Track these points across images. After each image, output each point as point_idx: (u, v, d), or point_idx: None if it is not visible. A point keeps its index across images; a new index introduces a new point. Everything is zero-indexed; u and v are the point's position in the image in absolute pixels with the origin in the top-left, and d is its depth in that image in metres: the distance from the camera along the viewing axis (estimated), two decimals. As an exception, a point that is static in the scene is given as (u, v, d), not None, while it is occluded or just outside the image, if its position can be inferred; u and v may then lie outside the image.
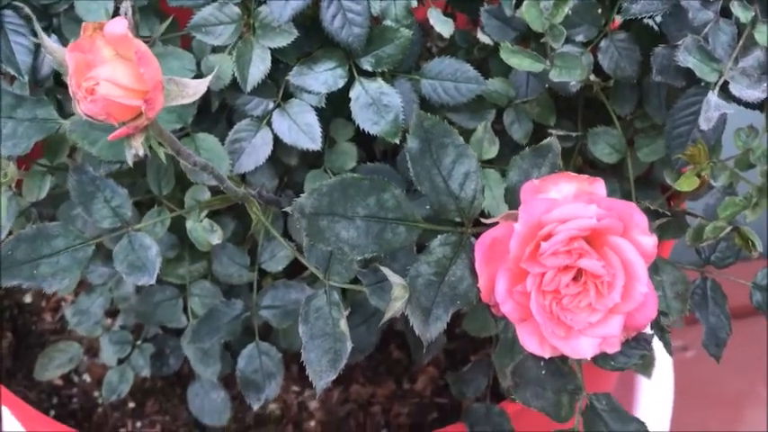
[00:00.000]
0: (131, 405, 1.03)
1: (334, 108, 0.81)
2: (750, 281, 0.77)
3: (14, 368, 1.05)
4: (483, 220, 0.62)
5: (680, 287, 0.75)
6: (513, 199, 0.64)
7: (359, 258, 0.59)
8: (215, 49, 0.76)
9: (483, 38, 0.87)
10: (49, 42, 0.54)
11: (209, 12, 0.74)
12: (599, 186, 0.61)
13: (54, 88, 0.83)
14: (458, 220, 0.63)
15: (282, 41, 0.74)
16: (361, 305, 0.79)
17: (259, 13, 0.75)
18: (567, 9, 0.71)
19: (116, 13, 0.77)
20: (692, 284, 0.77)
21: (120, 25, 0.52)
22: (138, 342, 0.92)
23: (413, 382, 1.04)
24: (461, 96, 0.80)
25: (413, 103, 0.80)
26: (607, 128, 0.81)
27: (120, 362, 0.93)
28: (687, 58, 0.69)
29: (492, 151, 0.83)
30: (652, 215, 0.75)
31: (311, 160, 0.85)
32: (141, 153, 0.53)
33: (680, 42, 0.70)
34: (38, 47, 0.80)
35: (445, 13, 0.86)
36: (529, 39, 0.87)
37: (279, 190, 0.87)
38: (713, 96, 0.69)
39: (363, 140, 0.86)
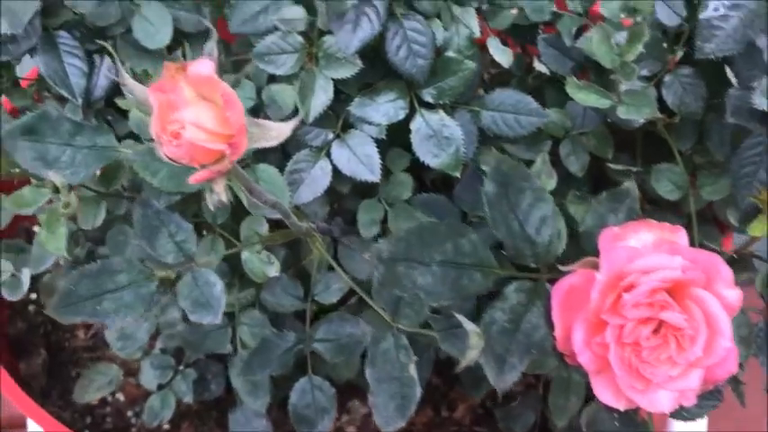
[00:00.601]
0: (166, 427, 1.02)
1: (391, 137, 0.79)
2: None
3: (49, 386, 1.03)
4: (560, 267, 0.60)
5: (744, 331, 0.74)
6: (588, 244, 0.63)
7: (434, 305, 0.57)
8: (275, 78, 0.74)
9: (539, 66, 0.86)
10: (130, 80, 0.52)
11: (273, 40, 0.73)
12: (681, 236, 0.60)
13: (104, 110, 0.82)
14: (533, 265, 0.62)
15: (346, 72, 0.73)
16: (414, 341, 0.78)
17: (323, 43, 0.73)
18: (640, 46, 0.70)
19: (176, 40, 0.76)
20: (755, 327, 0.76)
21: (206, 67, 0.51)
22: (181, 367, 0.91)
23: (452, 410, 1.03)
24: (522, 129, 0.79)
25: (472, 134, 0.79)
26: (670, 165, 0.79)
27: (161, 387, 0.91)
28: (763, 101, 0.67)
29: (550, 184, 0.81)
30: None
31: (362, 188, 0.83)
32: (225, 199, 0.51)
33: (754, 84, 0.69)
34: (91, 68, 0.79)
35: (502, 41, 0.85)
36: (587, 69, 0.86)
37: (329, 217, 0.85)
38: (793, 138, 0.67)
39: (413, 167, 0.84)
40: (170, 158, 0.51)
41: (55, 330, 1.08)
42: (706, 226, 0.88)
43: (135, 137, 0.76)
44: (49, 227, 0.67)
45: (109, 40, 0.78)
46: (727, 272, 0.58)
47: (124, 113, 0.80)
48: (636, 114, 0.72)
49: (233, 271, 0.81)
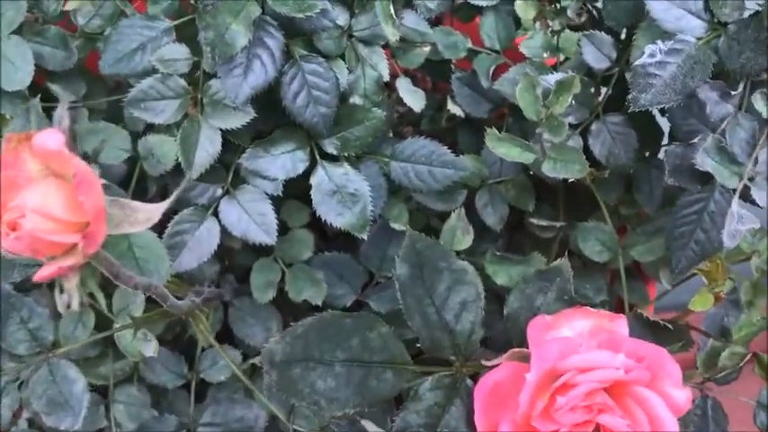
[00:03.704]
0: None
1: (287, 187, 0.70)
2: (753, 399, 0.69)
3: None
4: (483, 362, 0.52)
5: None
6: (513, 329, 0.54)
7: (338, 414, 0.48)
8: (153, 127, 0.64)
9: (453, 108, 0.78)
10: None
11: (150, 84, 0.63)
12: (620, 324, 0.52)
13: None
14: (452, 358, 0.53)
15: (236, 122, 0.63)
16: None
17: (209, 88, 0.63)
18: (570, 98, 0.62)
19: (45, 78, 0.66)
20: (692, 403, 0.68)
21: (53, 139, 0.41)
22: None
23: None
24: (436, 183, 0.70)
25: (381, 187, 0.70)
26: (597, 223, 0.72)
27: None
28: (706, 161, 0.60)
29: (466, 241, 0.73)
30: (649, 327, 0.66)
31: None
32: (76, 304, 0.42)
33: (696, 140, 0.62)
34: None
35: (411, 77, 0.77)
36: (505, 110, 0.78)
37: (219, 274, 0.76)
38: (735, 206, 0.60)
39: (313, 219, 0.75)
40: (9, 251, 0.41)
41: None
42: (630, 278, 0.81)
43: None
44: None
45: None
46: (674, 369, 0.51)
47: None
48: (564, 172, 0.64)
49: (105, 338, 0.70)
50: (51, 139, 0.41)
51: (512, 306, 0.55)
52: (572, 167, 0.64)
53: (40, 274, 0.42)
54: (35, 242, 0.41)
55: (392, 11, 0.65)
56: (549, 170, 0.65)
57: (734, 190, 0.62)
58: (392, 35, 0.65)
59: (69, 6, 0.63)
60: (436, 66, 0.77)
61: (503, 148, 0.66)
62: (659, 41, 0.63)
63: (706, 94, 0.62)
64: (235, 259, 0.77)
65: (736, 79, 0.63)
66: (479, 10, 0.76)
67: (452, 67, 0.78)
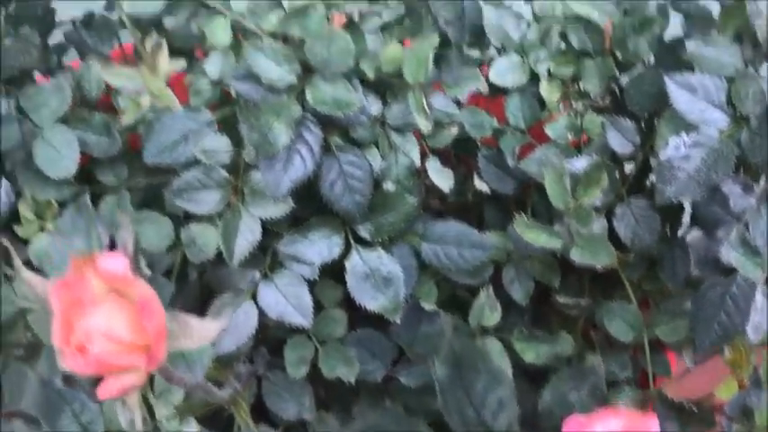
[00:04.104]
0: None
1: (321, 267, 0.72)
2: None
3: None
4: (521, 459, 0.54)
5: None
6: (548, 424, 0.56)
7: None
8: (197, 216, 0.67)
9: (480, 185, 0.80)
10: (27, 272, 0.44)
11: (194, 175, 0.65)
12: (652, 423, 0.54)
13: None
14: (490, 455, 0.55)
15: (276, 212, 0.66)
16: None
17: (249, 179, 0.66)
18: (598, 191, 0.64)
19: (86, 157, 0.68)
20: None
21: (119, 264, 0.43)
22: None
23: None
24: (465, 263, 0.72)
25: (412, 268, 0.72)
26: (623, 303, 0.74)
27: None
28: (731, 254, 0.62)
29: (493, 318, 0.75)
30: (674, 408, 0.68)
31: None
32: (140, 423, 0.44)
33: (720, 233, 0.64)
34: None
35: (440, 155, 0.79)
36: (530, 189, 0.80)
37: (253, 347, 0.78)
38: (761, 297, 0.62)
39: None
40: (74, 371, 0.43)
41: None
42: (653, 351, 0.83)
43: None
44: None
45: (7, 163, 0.70)
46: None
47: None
48: (591, 259, 0.66)
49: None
50: (117, 263, 0.43)
51: (545, 401, 0.57)
52: (600, 255, 0.67)
53: (104, 393, 0.44)
54: (101, 364, 0.43)
55: (425, 103, 0.67)
56: (577, 257, 0.67)
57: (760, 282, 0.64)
58: (425, 127, 0.68)
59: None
60: (462, 142, 0.79)
61: (531, 234, 0.68)
62: (683, 134, 0.65)
63: (729, 187, 0.64)
64: (268, 332, 0.79)
65: (758, 172, 0.65)
66: (505, 90, 0.78)
67: (478, 143, 0.80)
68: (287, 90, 0.63)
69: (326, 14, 0.65)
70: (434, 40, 0.67)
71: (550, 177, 0.65)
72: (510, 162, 0.77)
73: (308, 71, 0.64)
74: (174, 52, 0.75)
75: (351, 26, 0.66)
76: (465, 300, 0.80)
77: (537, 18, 0.77)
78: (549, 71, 0.76)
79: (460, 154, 0.88)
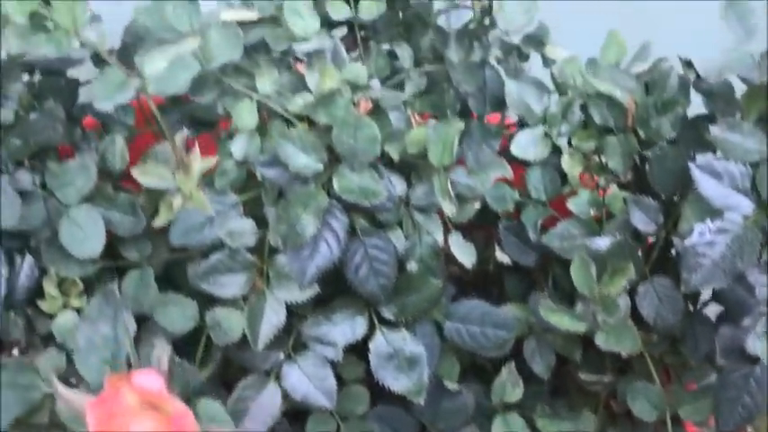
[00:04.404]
0: None
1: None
2: None
3: None
4: None
5: None
6: None
7: None
8: (221, 299, 0.67)
9: (501, 257, 0.80)
10: (65, 391, 0.44)
11: (219, 259, 0.65)
12: None
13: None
14: None
15: (301, 296, 0.66)
16: None
17: (275, 262, 0.66)
18: (625, 281, 0.64)
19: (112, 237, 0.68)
20: None
21: (154, 381, 0.43)
22: None
23: None
24: (488, 342, 0.72)
25: (435, 346, 0.72)
26: (646, 384, 0.74)
27: None
28: (757, 346, 0.62)
29: (515, 394, 0.76)
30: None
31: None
32: None
33: (746, 322, 0.64)
34: (11, 267, 0.71)
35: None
36: (551, 260, 0.80)
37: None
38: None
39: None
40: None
41: None
42: (675, 424, 0.83)
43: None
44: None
45: (32, 240, 0.70)
46: None
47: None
48: (616, 345, 0.67)
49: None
50: (152, 380, 0.43)
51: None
52: (625, 342, 0.67)
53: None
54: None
55: (449, 187, 0.68)
56: (602, 342, 0.67)
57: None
58: (449, 210, 0.68)
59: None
60: (483, 212, 0.79)
61: (555, 317, 0.68)
62: (708, 220, 0.65)
63: (755, 277, 0.64)
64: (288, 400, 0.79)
65: (783, 259, 0.66)
66: (526, 163, 0.78)
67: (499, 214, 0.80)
68: (314, 178, 0.63)
69: (352, 99, 0.65)
70: (459, 125, 0.67)
71: (576, 264, 0.65)
72: (532, 236, 0.77)
73: (334, 157, 0.64)
74: (197, 123, 0.76)
75: (376, 110, 0.66)
76: (484, 367, 0.80)
77: (558, 88, 0.78)
78: (570, 144, 0.76)
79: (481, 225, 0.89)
